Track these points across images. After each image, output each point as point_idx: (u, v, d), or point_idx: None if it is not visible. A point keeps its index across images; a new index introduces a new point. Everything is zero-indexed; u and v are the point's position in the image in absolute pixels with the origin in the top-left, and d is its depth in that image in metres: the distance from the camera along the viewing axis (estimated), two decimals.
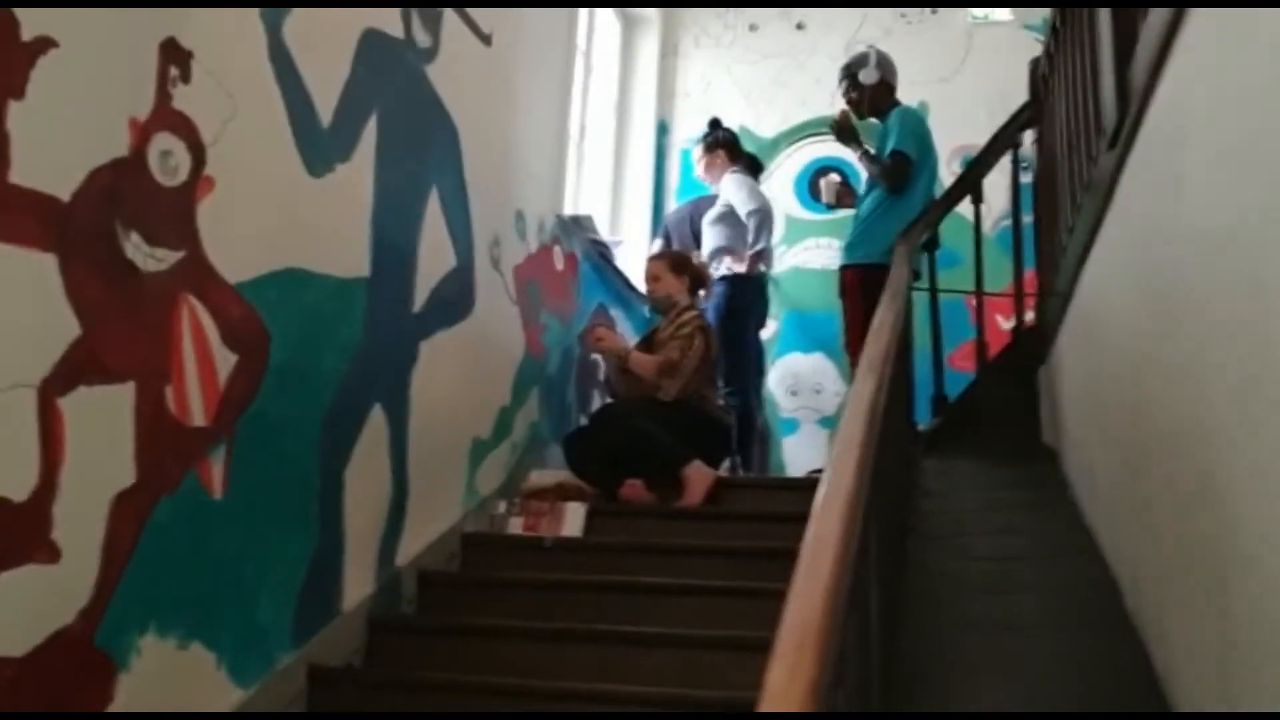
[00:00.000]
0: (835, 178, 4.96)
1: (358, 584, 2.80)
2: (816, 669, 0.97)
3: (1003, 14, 5.87)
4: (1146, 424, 2.17)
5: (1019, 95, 5.64)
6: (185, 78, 2.15)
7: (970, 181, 4.11)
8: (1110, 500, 2.58)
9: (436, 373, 3.24)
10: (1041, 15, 5.79)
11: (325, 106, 2.68)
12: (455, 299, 3.39)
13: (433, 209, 3.25)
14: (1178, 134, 1.86)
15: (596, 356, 4.52)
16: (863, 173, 4.76)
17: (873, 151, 4.38)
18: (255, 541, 2.39)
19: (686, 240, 4.92)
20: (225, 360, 2.29)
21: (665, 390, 3.87)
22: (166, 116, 2.11)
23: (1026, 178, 5.03)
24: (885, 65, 4.50)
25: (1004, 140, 4.07)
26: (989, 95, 5.67)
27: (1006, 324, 5.34)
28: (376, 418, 2.91)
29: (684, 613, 2.90)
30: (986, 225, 5.17)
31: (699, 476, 3.61)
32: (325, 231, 2.68)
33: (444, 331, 3.30)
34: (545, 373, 4.14)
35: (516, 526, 3.52)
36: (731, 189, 4.82)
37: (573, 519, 3.49)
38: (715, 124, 5.16)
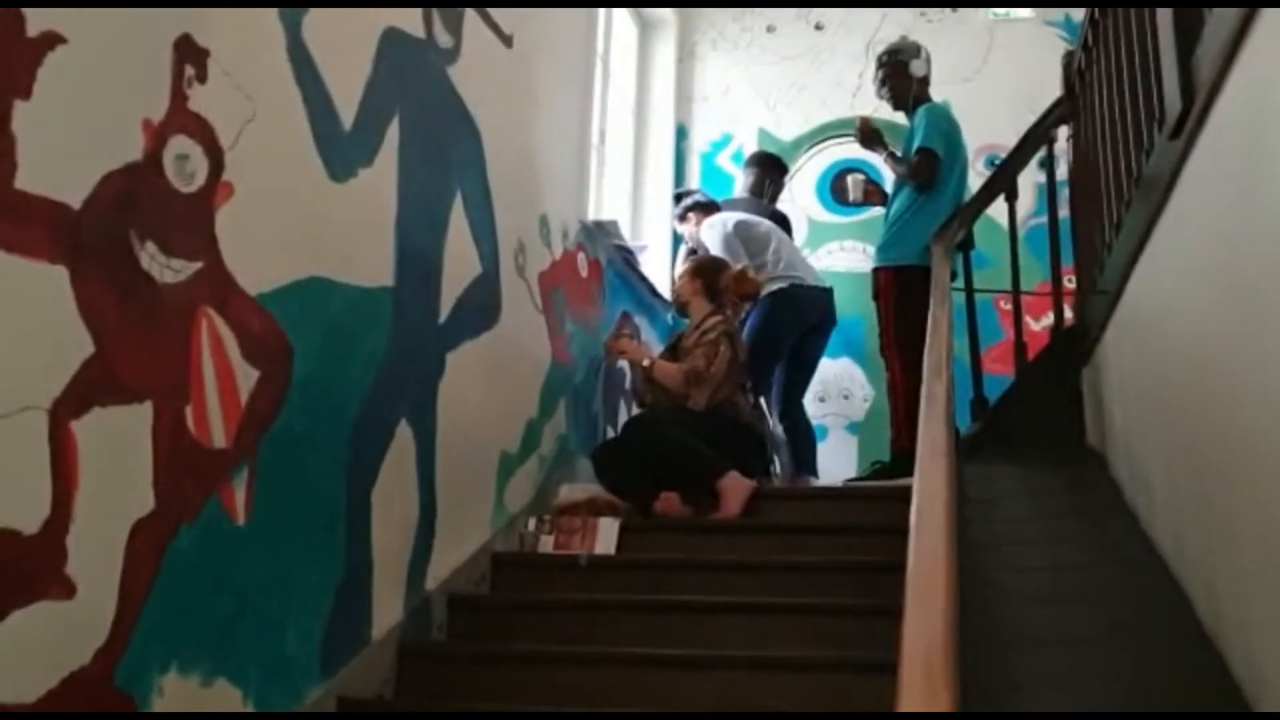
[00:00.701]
0: (860, 175, 4.82)
1: (387, 610, 2.65)
2: (948, 695, 0.95)
3: (1024, 11, 5.72)
4: (1223, 429, 2.01)
5: (1043, 92, 5.48)
6: (201, 78, 2.01)
7: (1005, 179, 3.96)
8: (1175, 507, 2.41)
9: (463, 385, 3.09)
10: (1063, 10, 5.65)
11: (346, 108, 2.53)
12: (481, 307, 3.25)
13: (457, 214, 3.10)
14: (1258, 122, 1.72)
15: (623, 364, 4.35)
16: (888, 174, 4.64)
17: (898, 153, 4.25)
18: (280, 569, 2.24)
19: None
20: (247, 376, 2.14)
21: (694, 399, 3.71)
22: (182, 118, 1.96)
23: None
24: (930, 61, 4.38)
25: (1037, 136, 3.91)
26: (1012, 94, 5.51)
27: (1037, 325, 5.21)
28: (403, 434, 2.76)
29: (726, 632, 2.75)
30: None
31: (736, 487, 3.45)
32: (348, 239, 2.54)
33: (470, 342, 3.15)
34: (572, 383, 3.99)
35: (548, 545, 3.37)
36: (705, 237, 4.69)
37: (606, 535, 3.34)
38: (679, 196, 5.09)
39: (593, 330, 4.27)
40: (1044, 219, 4.86)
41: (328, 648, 2.39)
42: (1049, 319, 4.57)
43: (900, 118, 4.58)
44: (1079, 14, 5.57)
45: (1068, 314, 5.12)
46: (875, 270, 4.21)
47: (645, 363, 3.84)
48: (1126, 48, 2.84)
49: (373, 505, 2.60)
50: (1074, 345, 3.54)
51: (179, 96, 1.96)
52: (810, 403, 5.29)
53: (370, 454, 2.61)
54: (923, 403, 1.79)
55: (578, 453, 3.96)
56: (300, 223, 2.35)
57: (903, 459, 4.00)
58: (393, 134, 2.74)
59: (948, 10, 5.80)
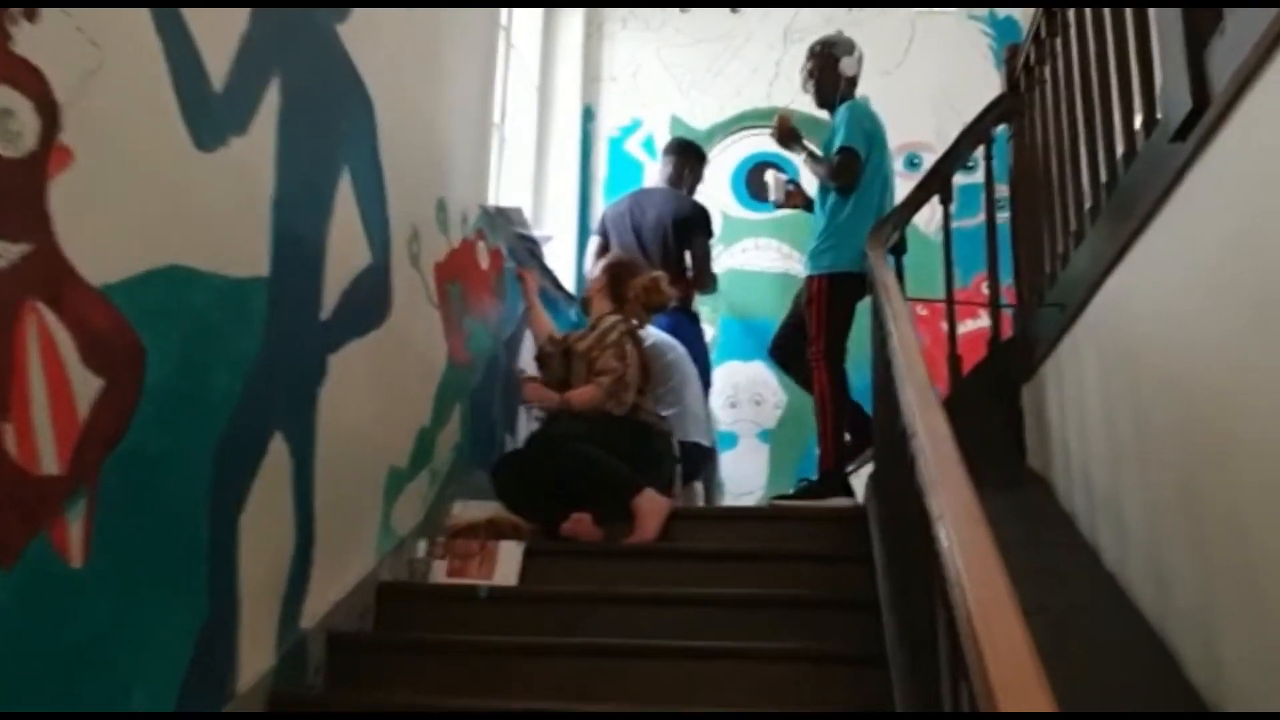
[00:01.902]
0: (783, 175, 4.59)
1: (256, 656, 2.30)
2: None
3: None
4: (1237, 468, 1.82)
5: (965, 88, 5.38)
6: (30, 15, 1.64)
7: (938, 179, 3.77)
8: (1158, 551, 2.23)
9: (347, 391, 2.75)
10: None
11: (217, 65, 2.17)
12: (370, 302, 2.91)
13: (344, 195, 2.76)
14: None
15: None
16: (804, 173, 4.45)
17: (818, 153, 4.05)
18: (128, 618, 1.88)
19: (626, 238, 4.48)
20: (86, 385, 1.78)
21: (619, 405, 3.43)
22: (4, 64, 1.60)
23: (971, 178, 4.77)
24: (861, 61, 4.25)
25: (975, 135, 3.73)
26: (933, 89, 5.39)
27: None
28: (278, 449, 2.41)
29: (648, 680, 2.48)
30: (930, 229, 4.91)
31: (652, 508, 3.19)
32: (216, 220, 2.18)
33: (356, 341, 2.81)
34: (469, 386, 3.67)
35: (440, 572, 3.05)
36: None
37: (507, 562, 3.03)
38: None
39: (493, 327, 3.95)
40: (965, 222, 4.77)
41: (185, 704, 2.04)
42: (967, 327, 4.49)
43: (817, 111, 4.37)
44: (1004, 9, 5.50)
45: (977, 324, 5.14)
46: (809, 278, 3.99)
47: (559, 402, 3.49)
48: (1097, 44, 2.65)
49: (241, 534, 2.25)
50: (1014, 360, 3.36)
51: None
52: (720, 408, 5.08)
53: (239, 474, 2.26)
54: (925, 443, 1.55)
55: (475, 466, 3.65)
56: (157, 199, 1.98)
57: (829, 479, 3.80)
58: (272, 98, 2.39)
59: None
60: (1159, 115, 2.17)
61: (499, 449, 3.93)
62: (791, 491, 4.05)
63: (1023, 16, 5.44)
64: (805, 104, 5.45)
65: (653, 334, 3.94)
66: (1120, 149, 2.44)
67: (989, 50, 5.44)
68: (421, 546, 3.09)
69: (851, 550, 3.01)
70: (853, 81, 4.21)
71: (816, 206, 4.15)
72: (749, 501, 4.95)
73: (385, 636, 2.76)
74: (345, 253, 2.75)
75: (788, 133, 4.19)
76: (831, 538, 3.17)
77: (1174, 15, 1.96)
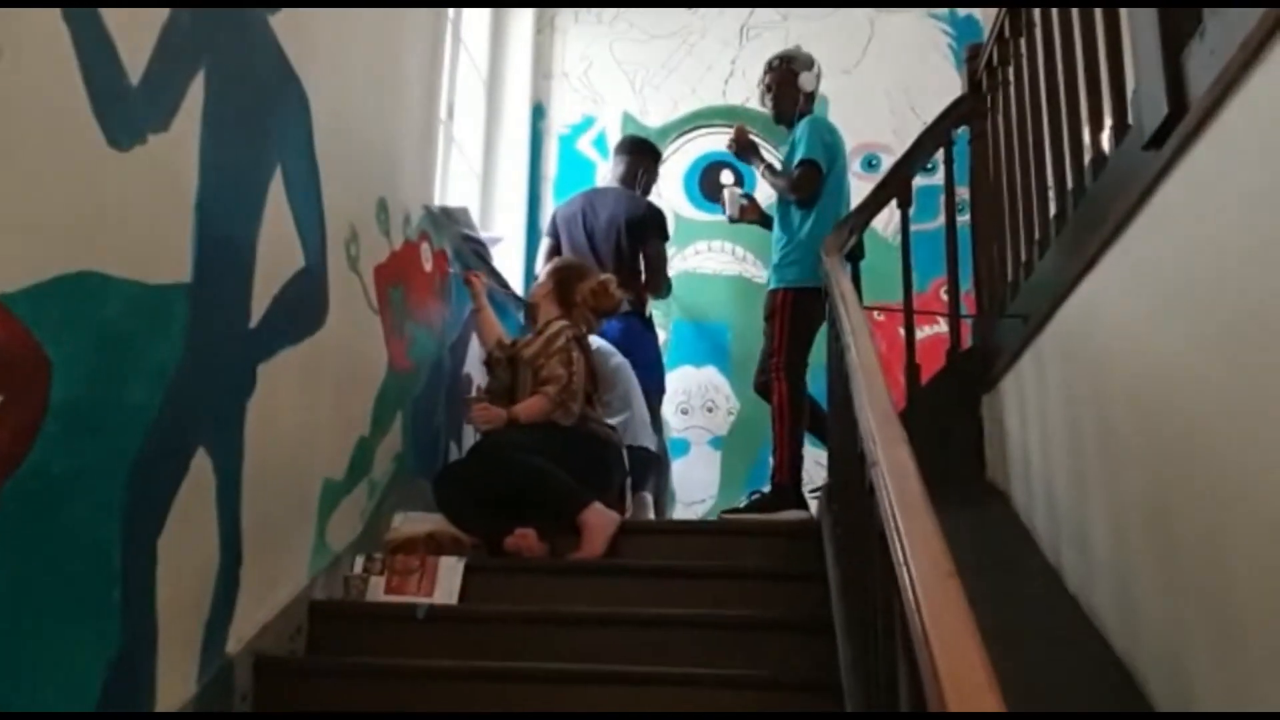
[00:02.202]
0: (738, 190, 4.53)
1: (175, 685, 2.17)
2: None
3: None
4: (1218, 491, 1.74)
5: (924, 89, 5.33)
6: None
7: (897, 182, 3.70)
8: (1124, 574, 2.15)
9: (278, 402, 2.61)
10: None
11: (135, 56, 2.03)
12: (303, 308, 2.77)
13: (276, 196, 2.62)
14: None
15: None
16: (760, 185, 4.39)
17: (776, 165, 4.08)
18: (28, 656, 1.74)
19: (578, 239, 4.36)
20: None
21: (567, 414, 3.32)
22: None
23: (929, 179, 4.71)
24: (820, 76, 4.25)
25: (935, 136, 3.66)
26: (891, 88, 5.34)
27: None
28: (201, 466, 2.27)
29: (588, 706, 2.37)
30: (888, 232, 4.85)
31: (599, 522, 3.08)
32: (132, 222, 2.04)
33: (289, 349, 2.67)
34: (412, 394, 3.53)
35: (378, 589, 2.92)
36: None
37: (447, 579, 2.91)
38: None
39: (437, 332, 3.82)
40: (923, 226, 4.69)
41: None
42: (925, 333, 4.42)
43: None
44: (966, 8, 5.45)
45: (935, 330, 5.07)
46: (771, 291, 3.97)
47: (506, 419, 3.33)
48: (1064, 45, 2.58)
49: (159, 557, 2.11)
50: (974, 370, 3.29)
51: None
52: (671, 415, 4.98)
53: (157, 494, 2.12)
54: (889, 480, 1.45)
55: (417, 476, 3.52)
56: (65, 200, 1.84)
57: (782, 492, 3.71)
58: (196, 92, 2.25)
59: None
60: (1131, 121, 2.10)
61: (443, 458, 3.80)
62: (743, 504, 3.96)
63: (984, 16, 5.40)
64: (757, 103, 5.35)
65: (594, 341, 3.83)
66: (1089, 155, 2.36)
67: (949, 50, 5.38)
68: (359, 563, 2.97)
69: (805, 567, 2.92)
70: (811, 97, 4.20)
71: (776, 220, 4.11)
72: (700, 510, 4.86)
73: (316, 661, 2.63)
74: (276, 256, 2.61)
75: (746, 144, 4.21)
76: (784, 553, 3.08)
77: (1149, 16, 1.88)
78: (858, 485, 2.17)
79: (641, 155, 4.60)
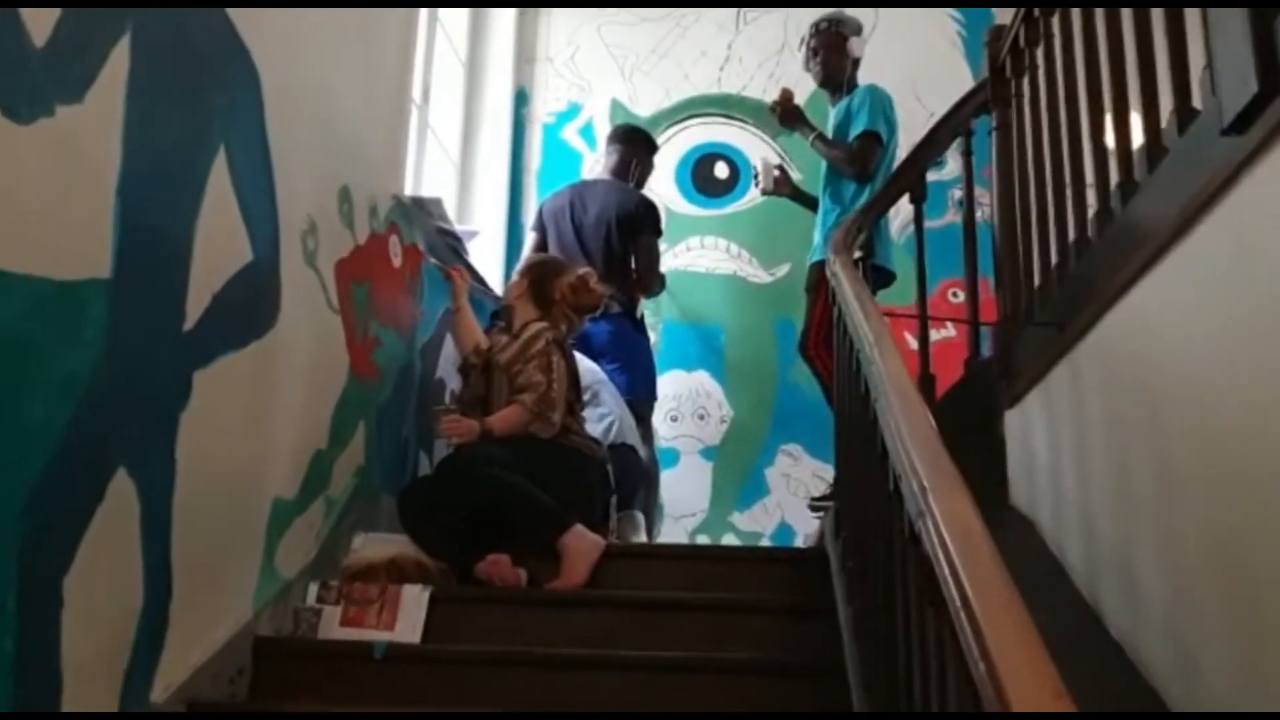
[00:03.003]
0: (772, 160, 4.28)
1: None
2: None
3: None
4: None
5: (930, 77, 5.05)
6: None
7: (911, 176, 3.43)
8: (1179, 621, 1.89)
9: (219, 413, 2.33)
10: None
11: (39, 14, 1.75)
12: (250, 308, 2.48)
13: (219, 181, 2.33)
14: None
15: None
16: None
17: (826, 134, 3.87)
18: None
19: (566, 234, 4.07)
20: None
21: (547, 425, 3.04)
22: None
23: (934, 174, 4.43)
24: (862, 35, 4.05)
25: (952, 126, 3.39)
26: (897, 77, 4.99)
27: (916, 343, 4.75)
28: (121, 489, 1.98)
29: None
30: (893, 229, 4.57)
31: (581, 547, 2.80)
32: (34, 208, 1.75)
33: (232, 354, 2.38)
34: (376, 401, 3.25)
35: (333, 621, 2.64)
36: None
37: (410, 611, 2.63)
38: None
39: (407, 333, 3.53)
40: (930, 223, 4.41)
41: None
42: (933, 335, 4.14)
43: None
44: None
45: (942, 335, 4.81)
46: (816, 263, 3.74)
47: (479, 432, 3.03)
48: (1109, 20, 2.30)
49: (66, 598, 1.83)
50: (996, 383, 3.02)
51: None
52: (661, 423, 4.70)
53: (63, 525, 1.83)
54: (950, 546, 1.19)
55: (382, 491, 3.23)
56: None
57: None
58: (119, 60, 1.95)
59: None
60: (1199, 103, 1.83)
61: (411, 472, 3.51)
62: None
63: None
64: (754, 91, 5.13)
65: None
66: (1139, 142, 2.09)
67: (957, 38, 5.12)
68: (312, 592, 2.68)
69: (812, 600, 2.65)
70: (857, 63, 4.01)
71: (826, 192, 3.90)
72: (690, 525, 4.58)
73: (256, 707, 2.34)
74: (218, 249, 2.32)
75: (791, 111, 3.96)
76: (787, 584, 2.81)
77: None
78: (882, 522, 1.90)
79: (636, 146, 4.32)
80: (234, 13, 2.37)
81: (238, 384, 2.41)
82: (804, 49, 4.09)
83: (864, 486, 2.25)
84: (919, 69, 5.06)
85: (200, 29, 2.27)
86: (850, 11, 5.04)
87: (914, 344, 4.68)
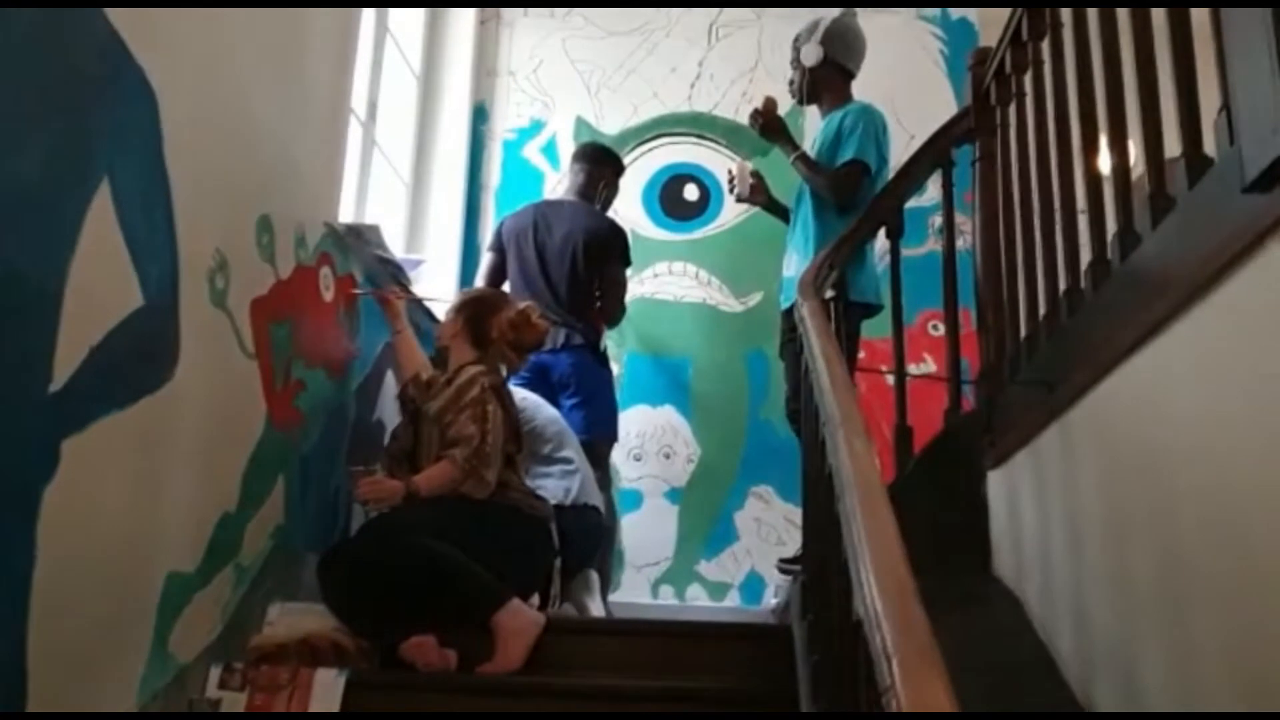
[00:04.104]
0: (748, 165, 3.96)
1: None
2: None
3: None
4: None
5: (912, 99, 4.82)
6: None
7: (887, 207, 3.19)
8: None
9: (97, 483, 2.06)
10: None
11: None
12: (140, 360, 2.21)
13: (100, 215, 2.07)
14: None
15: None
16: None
17: (810, 154, 3.54)
18: None
19: (527, 257, 3.81)
20: None
21: (480, 485, 2.77)
22: None
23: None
24: (837, 40, 3.67)
25: (933, 156, 3.15)
26: (875, 98, 4.74)
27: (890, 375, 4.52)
28: None
29: None
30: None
31: (518, 625, 2.54)
32: None
33: (114, 415, 2.12)
34: (300, 451, 2.97)
35: (237, 708, 2.37)
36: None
37: (324, 698, 2.36)
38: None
39: (338, 373, 3.26)
40: (908, 251, 4.18)
41: None
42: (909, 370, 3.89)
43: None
44: (959, 10, 4.94)
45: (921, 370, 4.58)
46: (787, 312, 3.40)
47: (403, 493, 2.74)
48: (1106, 48, 2.07)
49: None
50: (978, 439, 2.77)
51: None
52: (624, 462, 4.45)
53: None
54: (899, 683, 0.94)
55: (305, 551, 2.96)
56: None
57: None
58: None
59: None
60: (1213, 151, 1.59)
61: (342, 527, 3.24)
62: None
63: (979, 19, 4.91)
64: (726, 110, 4.89)
65: (518, 393, 3.29)
66: (1146, 190, 1.85)
67: (940, 56, 4.89)
68: (214, 677, 2.40)
69: (775, 687, 2.39)
70: (831, 68, 3.67)
71: (803, 217, 3.55)
72: (653, 575, 4.31)
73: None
74: (97, 295, 2.06)
75: (774, 123, 3.63)
76: (749, 666, 2.54)
77: (1257, 16, 1.36)
78: (847, 630, 1.65)
79: (603, 166, 4.05)
80: (120, 20, 2.10)
81: (122, 448, 2.14)
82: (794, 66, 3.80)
83: (829, 574, 2.00)
84: (898, 87, 4.81)
85: (79, 42, 2.01)
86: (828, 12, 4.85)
87: (891, 379, 4.52)
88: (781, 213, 3.83)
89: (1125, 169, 2.01)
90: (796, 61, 3.68)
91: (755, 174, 3.85)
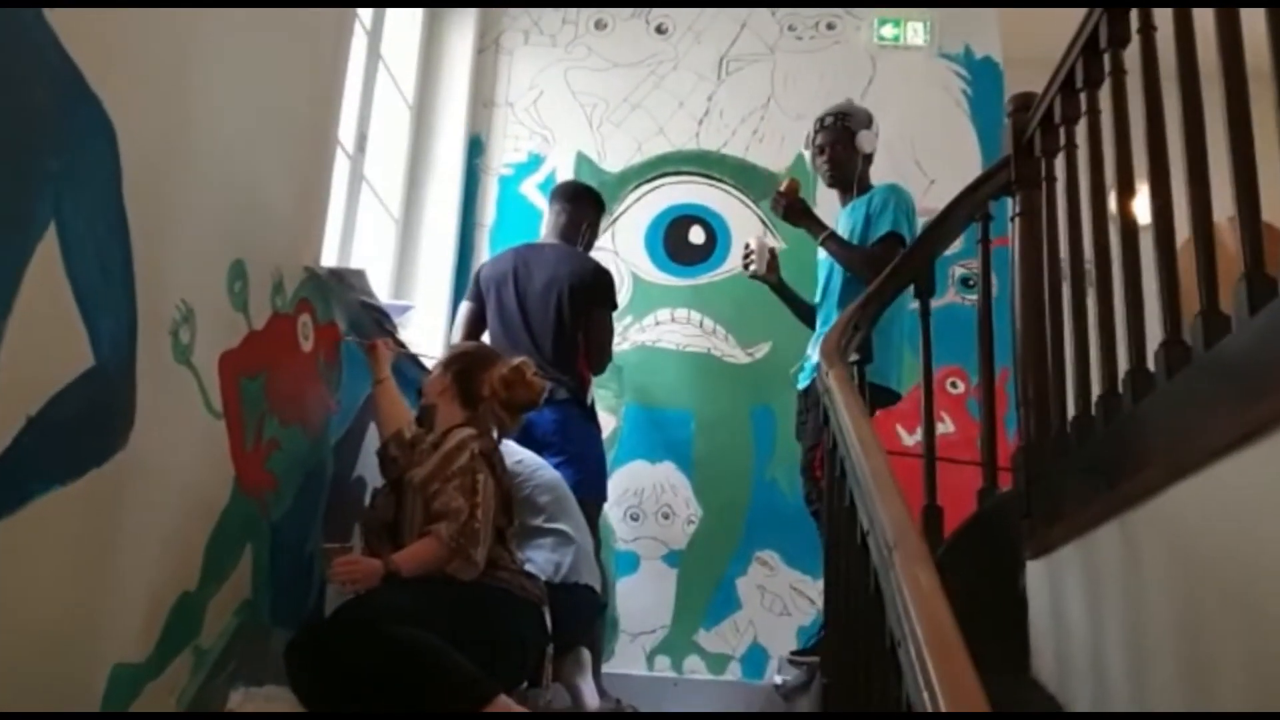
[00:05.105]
0: (769, 241, 3.85)
1: None
2: None
3: (916, 37, 4.81)
4: None
5: (932, 142, 4.63)
6: None
7: (916, 263, 2.97)
8: None
9: (31, 568, 1.83)
10: (964, 41, 4.79)
11: None
12: (87, 427, 1.98)
13: (45, 265, 1.84)
14: None
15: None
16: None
17: (840, 234, 3.51)
18: None
19: (507, 306, 3.60)
20: None
21: (467, 565, 2.53)
22: None
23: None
24: (879, 135, 3.75)
25: (969, 209, 2.94)
26: (894, 138, 4.58)
27: (910, 437, 4.30)
28: None
29: None
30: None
31: None
32: None
33: (56, 491, 1.88)
34: (271, 518, 2.73)
35: None
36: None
37: None
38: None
39: (316, 429, 3.03)
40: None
41: None
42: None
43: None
44: (983, 46, 4.76)
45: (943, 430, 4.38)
46: (804, 391, 3.47)
47: (383, 573, 2.49)
48: (1187, 92, 1.86)
49: None
50: (1015, 524, 2.55)
51: None
52: (619, 522, 4.22)
53: None
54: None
55: (275, 627, 2.71)
56: None
57: None
58: None
59: (822, 25, 4.83)
60: None
61: (316, 598, 3.00)
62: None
63: (1005, 58, 4.73)
64: (736, 149, 4.70)
65: (513, 452, 3.05)
66: (1240, 269, 1.64)
67: (962, 97, 4.70)
68: None
69: None
70: (869, 159, 3.69)
71: (834, 297, 3.53)
72: (649, 644, 4.07)
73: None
74: (38, 356, 1.83)
75: (796, 205, 3.55)
76: None
77: None
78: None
79: (584, 204, 3.84)
80: (76, 49, 1.89)
81: (63, 529, 1.91)
82: (810, 147, 3.76)
83: (863, 674, 1.78)
84: (918, 128, 4.65)
85: (25, 72, 1.79)
86: (845, 49, 4.68)
87: (907, 439, 4.30)
88: (790, 299, 3.71)
89: (1208, 237, 1.80)
90: (845, 143, 3.64)
91: (772, 251, 3.71)
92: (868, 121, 3.67)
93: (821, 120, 3.70)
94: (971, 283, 4.39)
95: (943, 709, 1.13)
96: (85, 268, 1.94)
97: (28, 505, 1.80)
